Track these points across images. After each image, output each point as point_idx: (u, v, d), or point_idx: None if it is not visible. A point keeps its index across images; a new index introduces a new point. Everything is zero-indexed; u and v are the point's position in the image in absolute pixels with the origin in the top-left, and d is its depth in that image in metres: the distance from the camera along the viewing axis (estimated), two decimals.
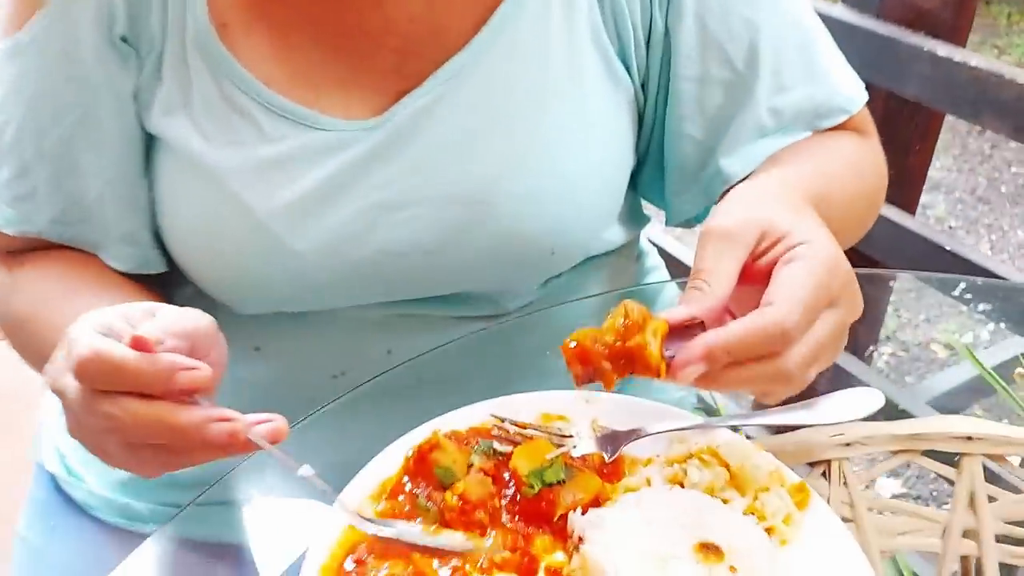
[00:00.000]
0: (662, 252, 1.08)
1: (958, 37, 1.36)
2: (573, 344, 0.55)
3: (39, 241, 0.75)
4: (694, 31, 0.75)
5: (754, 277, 0.56)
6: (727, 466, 0.59)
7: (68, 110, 0.72)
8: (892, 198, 1.48)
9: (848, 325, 0.57)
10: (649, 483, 0.59)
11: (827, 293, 0.54)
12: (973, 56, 1.27)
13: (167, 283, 0.78)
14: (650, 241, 1.02)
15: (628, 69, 0.76)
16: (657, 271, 0.98)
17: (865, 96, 0.80)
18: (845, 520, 0.62)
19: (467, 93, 0.72)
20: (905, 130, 1.46)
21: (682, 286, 0.58)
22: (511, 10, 0.71)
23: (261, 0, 0.71)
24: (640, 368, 0.53)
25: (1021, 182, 4.27)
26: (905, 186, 1.49)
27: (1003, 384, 1.48)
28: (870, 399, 0.64)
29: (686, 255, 1.71)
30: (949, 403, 1.60)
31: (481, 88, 0.72)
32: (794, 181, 0.67)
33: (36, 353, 0.68)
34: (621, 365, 0.54)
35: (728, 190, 0.69)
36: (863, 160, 0.81)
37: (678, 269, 1.32)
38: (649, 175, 0.83)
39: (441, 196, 0.72)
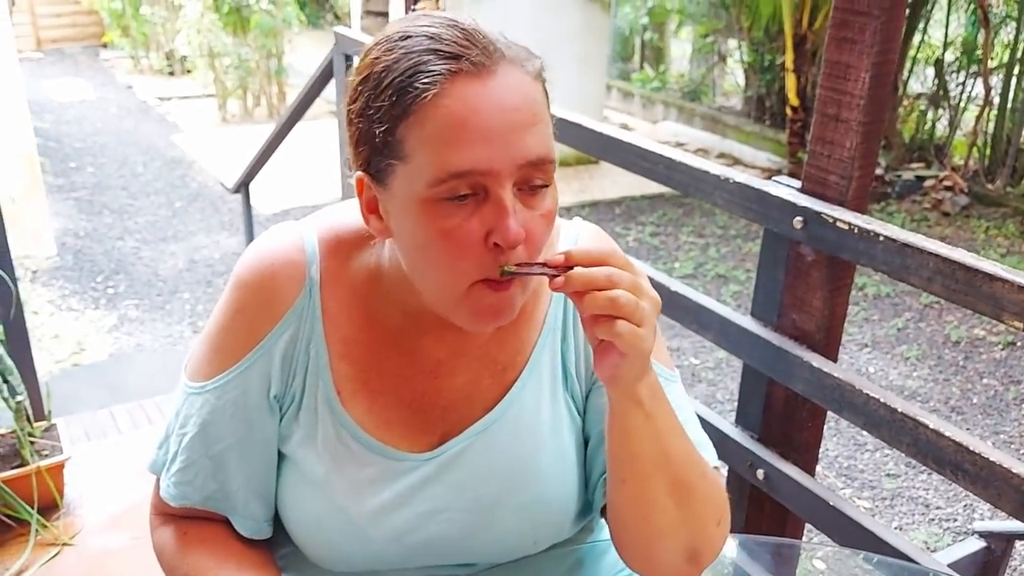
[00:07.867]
0: None
1: (830, 352, 1.84)
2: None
3: (191, 509, 1.06)
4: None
5: None
6: None
7: (230, 434, 1.02)
8: (795, 461, 1.93)
9: (638, 283, 0.84)
10: None
11: (611, 259, 0.83)
12: (837, 369, 1.75)
13: (272, 543, 1.12)
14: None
15: (581, 416, 1.10)
16: (605, 528, 1.19)
17: (715, 454, 1.09)
18: None
19: (488, 442, 1.04)
20: (800, 411, 1.91)
21: None
22: (517, 392, 1.05)
23: (365, 377, 1.04)
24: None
25: (991, 394, 4.58)
26: (803, 451, 1.94)
27: None
28: None
29: None
30: None
31: (497, 440, 1.04)
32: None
33: None
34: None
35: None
36: (709, 468, 1.03)
37: None
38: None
39: (466, 507, 1.04)
